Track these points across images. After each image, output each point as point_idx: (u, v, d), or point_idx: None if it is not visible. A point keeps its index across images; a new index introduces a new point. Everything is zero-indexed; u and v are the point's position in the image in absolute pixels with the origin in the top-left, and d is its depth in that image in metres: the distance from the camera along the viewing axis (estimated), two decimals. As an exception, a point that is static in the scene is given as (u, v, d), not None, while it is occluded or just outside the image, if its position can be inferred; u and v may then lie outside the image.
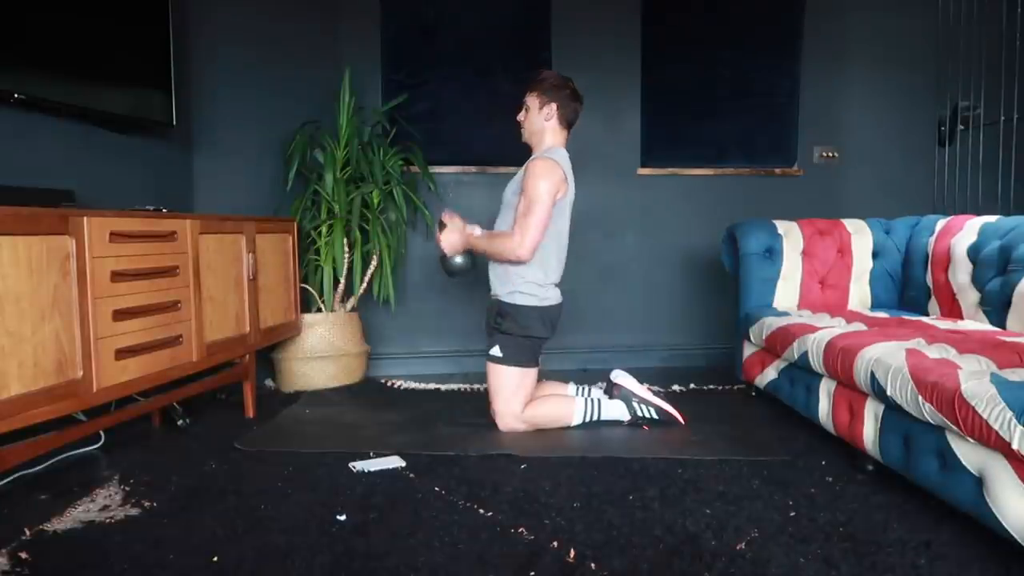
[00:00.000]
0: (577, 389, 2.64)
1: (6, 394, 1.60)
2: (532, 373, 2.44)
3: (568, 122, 2.51)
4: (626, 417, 2.47)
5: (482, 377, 3.33)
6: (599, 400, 2.50)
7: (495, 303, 2.48)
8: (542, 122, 2.48)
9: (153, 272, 2.09)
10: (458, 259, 2.50)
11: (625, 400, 2.48)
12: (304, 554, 1.52)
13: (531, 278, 2.41)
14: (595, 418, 2.47)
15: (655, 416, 2.47)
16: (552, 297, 2.46)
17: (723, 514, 1.72)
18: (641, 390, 2.50)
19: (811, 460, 2.12)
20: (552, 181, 2.34)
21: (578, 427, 2.46)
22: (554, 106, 2.46)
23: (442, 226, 2.51)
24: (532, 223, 2.32)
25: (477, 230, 2.49)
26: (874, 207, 3.49)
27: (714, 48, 3.70)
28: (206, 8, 3.00)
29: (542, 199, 2.32)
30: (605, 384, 2.62)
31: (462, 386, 3.19)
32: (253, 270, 2.61)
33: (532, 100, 2.49)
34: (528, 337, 2.41)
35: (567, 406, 2.47)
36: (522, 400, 2.42)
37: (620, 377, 2.53)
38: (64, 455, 2.13)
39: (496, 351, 2.42)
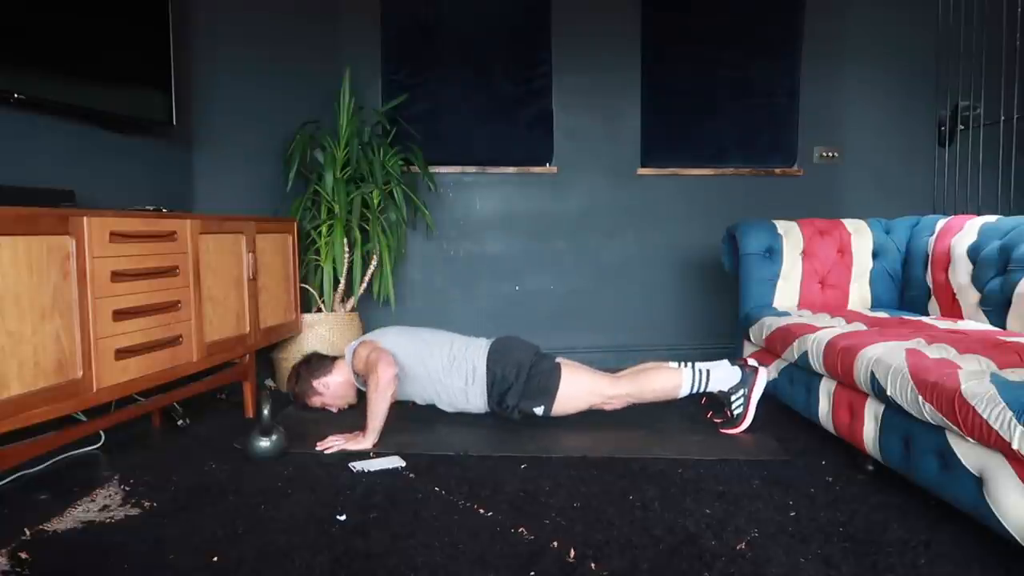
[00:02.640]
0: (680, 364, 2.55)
1: (6, 394, 1.60)
2: (574, 372, 2.44)
3: (326, 362, 2.61)
4: (733, 382, 2.40)
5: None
6: (707, 370, 2.43)
7: (492, 408, 2.48)
8: (335, 387, 2.58)
9: (153, 272, 2.09)
10: (264, 442, 2.17)
11: (740, 370, 2.42)
12: (304, 554, 1.52)
13: (456, 385, 2.45)
14: (703, 387, 2.41)
15: (741, 410, 2.40)
16: (479, 365, 2.44)
17: (723, 514, 1.72)
18: (757, 392, 2.42)
19: (811, 460, 2.12)
20: (366, 351, 2.39)
21: (685, 398, 2.44)
22: (318, 383, 2.57)
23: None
24: (376, 356, 2.33)
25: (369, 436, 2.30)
26: (874, 207, 3.49)
27: (714, 48, 3.70)
28: (206, 8, 2.99)
29: (371, 354, 2.36)
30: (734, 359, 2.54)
31: (462, 386, 3.19)
32: (253, 270, 2.61)
33: (318, 400, 2.61)
34: (528, 377, 2.41)
35: (674, 377, 2.43)
36: (600, 380, 2.43)
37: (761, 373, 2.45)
38: (64, 455, 2.13)
39: (540, 409, 2.42)
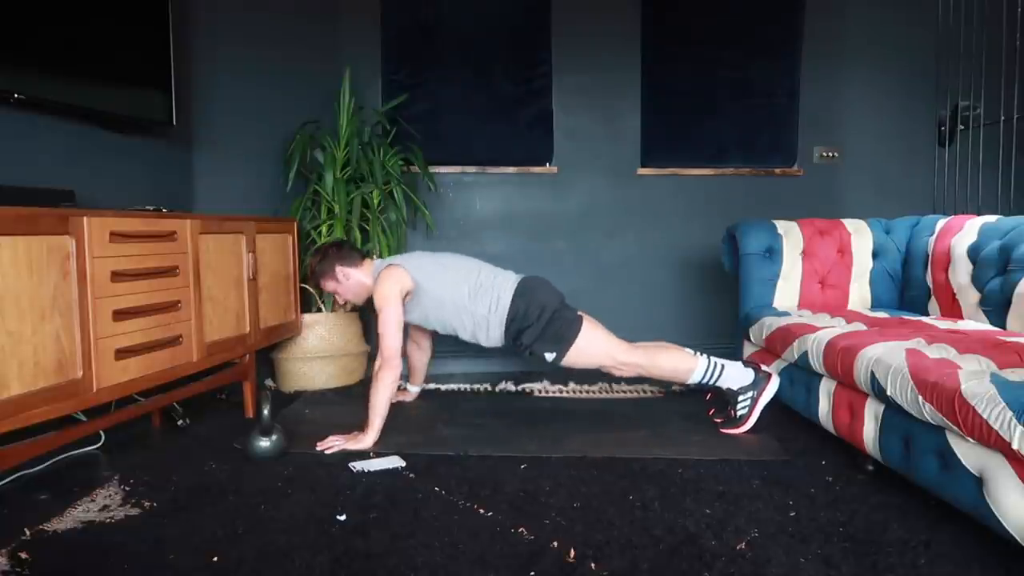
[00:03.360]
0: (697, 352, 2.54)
1: (6, 394, 1.60)
2: (593, 328, 2.44)
3: (356, 255, 2.59)
4: (744, 383, 2.41)
5: (481, 377, 3.35)
6: (722, 365, 2.44)
7: (507, 344, 2.47)
8: (354, 283, 2.58)
9: (153, 272, 2.09)
10: (264, 442, 2.17)
11: (754, 373, 2.42)
12: (304, 554, 1.52)
13: (480, 312, 2.43)
14: (715, 380, 2.42)
15: (746, 412, 2.40)
16: (504, 296, 2.44)
17: (723, 514, 1.72)
18: (765, 397, 2.42)
19: (811, 460, 2.12)
20: (388, 285, 2.39)
21: (695, 385, 2.47)
22: (341, 271, 2.55)
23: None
24: (382, 331, 2.34)
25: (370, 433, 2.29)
26: (874, 207, 3.49)
27: (714, 48, 3.70)
28: (206, 8, 2.99)
29: (385, 305, 2.36)
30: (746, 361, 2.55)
31: (462, 386, 3.19)
32: (253, 270, 2.61)
33: (332, 284, 2.60)
34: (549, 321, 2.40)
35: (688, 361, 2.44)
36: (616, 344, 2.43)
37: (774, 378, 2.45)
38: (64, 455, 2.13)
39: (551, 355, 2.41)
